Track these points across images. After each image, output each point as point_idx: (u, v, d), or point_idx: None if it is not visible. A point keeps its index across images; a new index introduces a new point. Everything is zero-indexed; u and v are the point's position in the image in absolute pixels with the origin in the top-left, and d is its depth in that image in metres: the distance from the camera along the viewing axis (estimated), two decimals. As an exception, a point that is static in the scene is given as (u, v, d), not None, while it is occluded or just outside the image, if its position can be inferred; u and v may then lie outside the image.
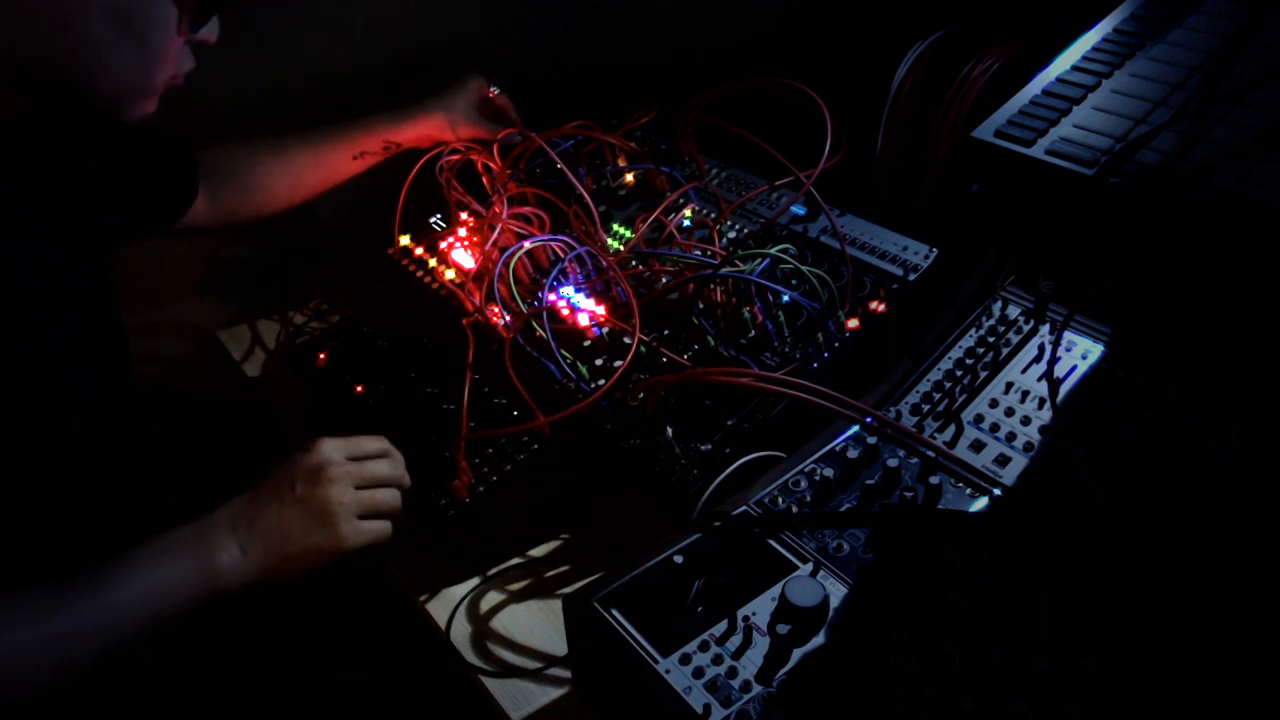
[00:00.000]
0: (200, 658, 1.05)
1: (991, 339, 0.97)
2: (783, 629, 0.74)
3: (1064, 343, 0.93)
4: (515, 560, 1.03)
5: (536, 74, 1.56)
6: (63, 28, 0.79)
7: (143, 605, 0.81)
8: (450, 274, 1.24)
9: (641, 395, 0.97)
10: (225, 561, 0.85)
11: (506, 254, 1.11)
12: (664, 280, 1.13)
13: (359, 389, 1.17)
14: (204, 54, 0.92)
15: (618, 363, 1.03)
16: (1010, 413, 0.90)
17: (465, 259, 1.25)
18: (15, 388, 0.80)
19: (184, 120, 1.13)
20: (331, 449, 0.91)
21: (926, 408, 0.93)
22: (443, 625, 0.97)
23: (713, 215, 1.25)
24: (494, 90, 1.37)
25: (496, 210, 1.20)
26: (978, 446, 0.88)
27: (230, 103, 1.30)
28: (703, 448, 0.95)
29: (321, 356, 1.26)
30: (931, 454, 0.88)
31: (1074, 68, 1.05)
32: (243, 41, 1.25)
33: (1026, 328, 0.97)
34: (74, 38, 0.80)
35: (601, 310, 1.09)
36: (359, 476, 0.91)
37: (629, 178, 1.34)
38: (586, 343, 1.08)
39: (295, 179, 1.29)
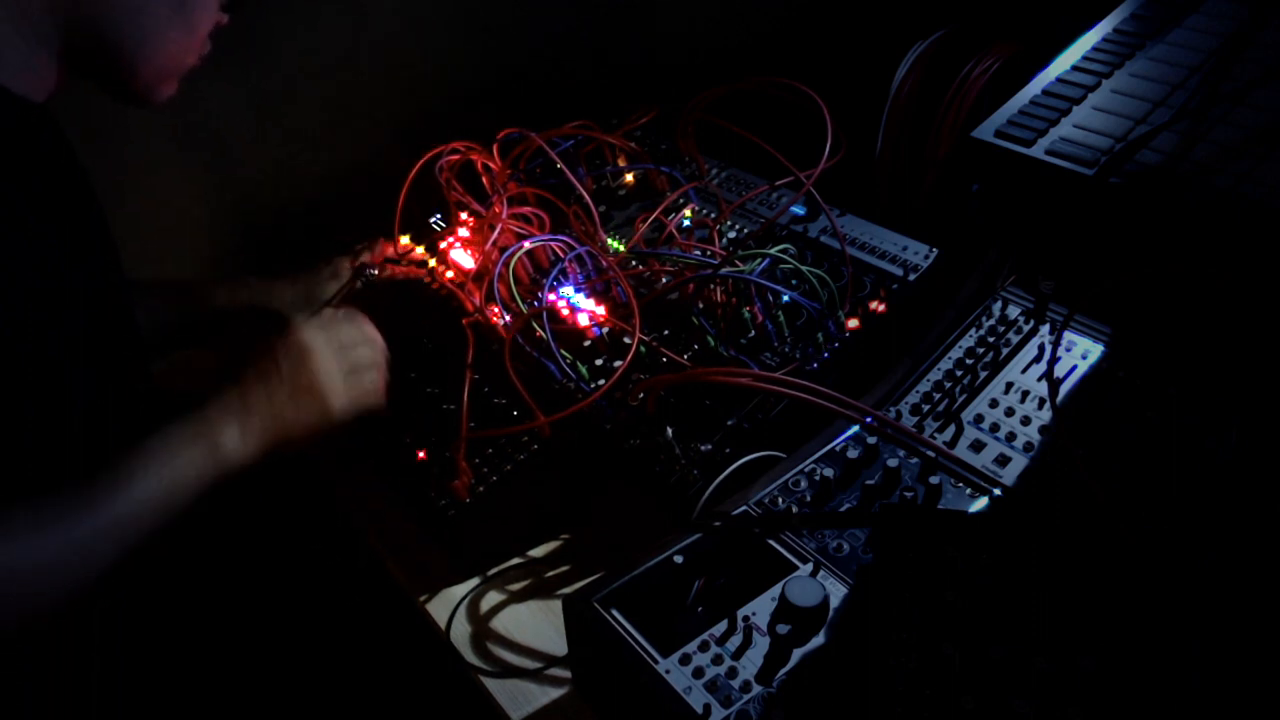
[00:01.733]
0: (202, 657, 1.05)
1: (991, 339, 0.97)
2: (783, 629, 0.74)
3: (1064, 343, 0.93)
4: (515, 560, 1.03)
5: (536, 74, 1.56)
6: (129, 9, 0.85)
7: (157, 498, 0.84)
8: (450, 274, 1.24)
9: (641, 395, 0.97)
10: (229, 446, 0.88)
11: (506, 254, 1.11)
12: (664, 280, 1.13)
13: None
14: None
15: (618, 363, 1.03)
16: (1010, 413, 0.90)
17: (465, 259, 1.25)
18: (15, 388, 0.80)
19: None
20: (312, 328, 0.94)
21: (926, 408, 0.93)
22: (443, 625, 0.97)
23: (713, 215, 1.25)
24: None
25: (496, 210, 1.20)
26: (978, 446, 0.88)
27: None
28: (703, 448, 0.95)
29: (321, 356, 1.26)
30: (931, 454, 0.88)
31: (1074, 68, 1.05)
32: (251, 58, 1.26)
33: (1026, 328, 0.97)
34: (136, 19, 0.86)
35: (601, 310, 1.09)
36: (340, 352, 0.94)
37: (629, 178, 1.34)
38: (586, 343, 1.08)
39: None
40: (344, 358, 0.94)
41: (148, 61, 0.89)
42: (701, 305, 1.07)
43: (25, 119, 0.86)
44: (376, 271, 1.26)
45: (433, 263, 1.29)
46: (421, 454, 1.05)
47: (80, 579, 0.80)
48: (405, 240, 1.33)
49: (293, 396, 0.91)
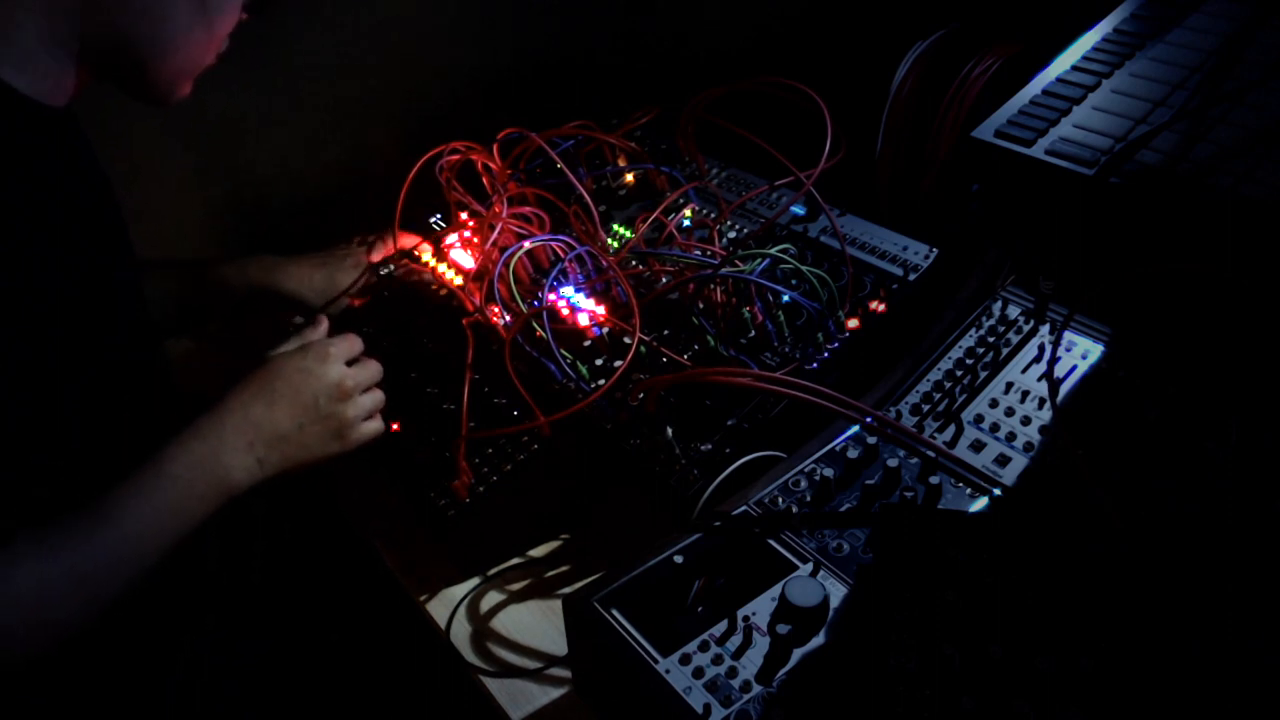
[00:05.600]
0: (202, 657, 1.05)
1: (991, 339, 0.97)
2: (783, 629, 0.74)
3: (1064, 343, 0.93)
4: (515, 560, 1.03)
5: (536, 74, 1.56)
6: (153, 11, 0.86)
7: (161, 530, 0.83)
8: (450, 274, 1.24)
9: (641, 395, 0.97)
10: (240, 477, 0.89)
11: (506, 254, 1.11)
12: (664, 280, 1.13)
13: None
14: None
15: (618, 363, 1.03)
16: (1010, 413, 0.90)
17: (465, 259, 1.25)
18: (15, 387, 0.80)
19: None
20: (339, 360, 0.97)
21: (926, 408, 0.93)
22: (443, 625, 0.97)
23: (713, 215, 1.25)
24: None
25: (496, 210, 1.20)
26: (978, 446, 0.88)
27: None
28: (703, 448, 0.95)
29: (321, 356, 1.26)
30: (931, 454, 0.88)
31: (1074, 68, 1.05)
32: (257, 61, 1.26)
33: (1026, 328, 0.97)
34: (157, 26, 0.87)
35: (601, 310, 1.09)
36: (360, 385, 0.98)
37: (629, 178, 1.34)
38: (586, 343, 1.08)
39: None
40: (360, 381, 0.98)
41: (167, 64, 0.90)
42: (701, 305, 1.07)
43: (47, 125, 0.87)
44: (394, 268, 1.28)
45: (434, 263, 1.29)
46: (395, 426, 1.08)
47: (80, 612, 0.79)
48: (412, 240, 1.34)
49: (323, 433, 0.94)
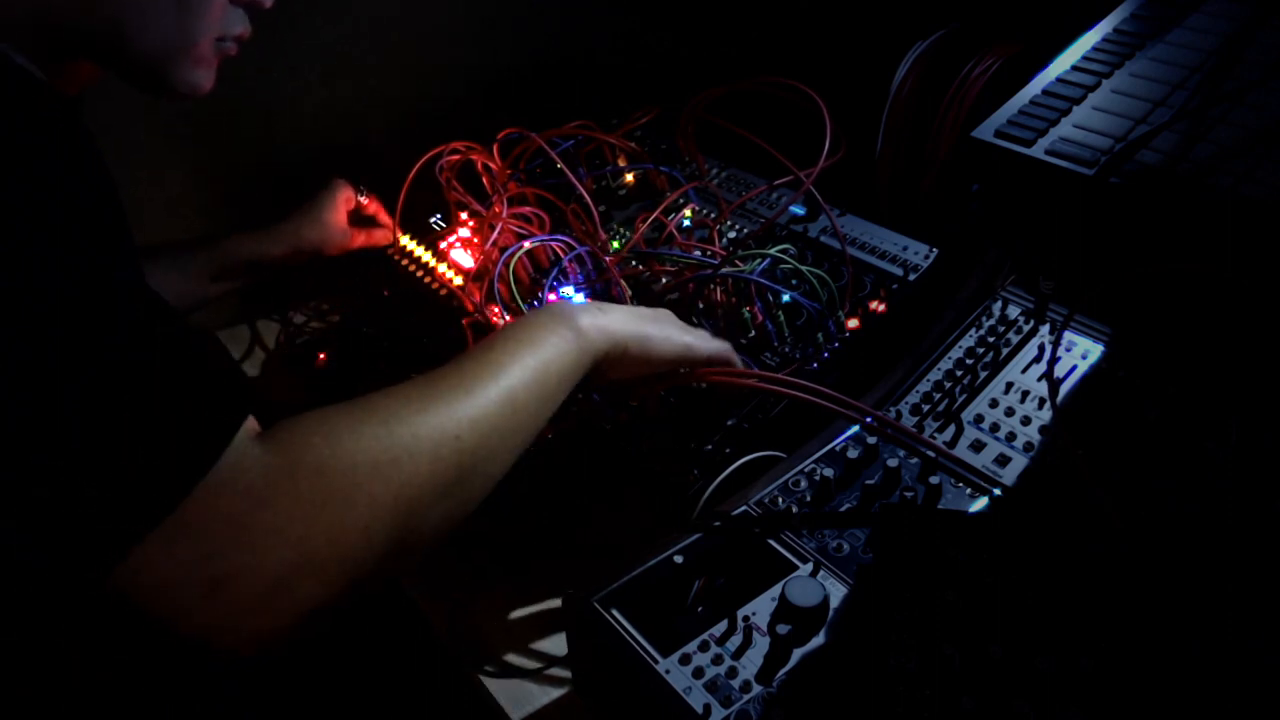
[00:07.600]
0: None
1: (991, 339, 0.97)
2: (783, 629, 0.74)
3: (1064, 343, 0.93)
4: (515, 560, 1.03)
5: (537, 74, 1.56)
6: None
7: (531, 380, 0.78)
8: (450, 274, 1.24)
9: (642, 395, 0.97)
10: (585, 320, 0.84)
11: (506, 254, 1.11)
12: (664, 280, 1.13)
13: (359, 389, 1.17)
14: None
15: (618, 363, 1.03)
16: (1010, 413, 0.90)
17: (465, 259, 1.25)
18: (15, 387, 0.80)
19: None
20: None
21: (926, 408, 0.93)
22: (443, 625, 0.97)
23: (713, 215, 1.25)
24: (362, 198, 1.35)
25: (496, 210, 1.20)
26: (978, 446, 0.88)
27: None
28: (703, 448, 0.95)
29: (321, 356, 1.26)
30: (931, 454, 0.88)
31: (1074, 68, 1.05)
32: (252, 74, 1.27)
33: (1026, 328, 0.97)
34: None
35: (601, 310, 1.09)
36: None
37: (629, 178, 1.34)
38: (586, 343, 1.08)
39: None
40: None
41: (145, 44, 0.84)
42: (701, 305, 1.07)
43: (56, 113, 0.87)
44: (365, 200, 1.34)
45: (433, 263, 1.29)
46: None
47: (465, 471, 0.77)
48: (405, 240, 1.34)
49: (653, 318, 0.89)
